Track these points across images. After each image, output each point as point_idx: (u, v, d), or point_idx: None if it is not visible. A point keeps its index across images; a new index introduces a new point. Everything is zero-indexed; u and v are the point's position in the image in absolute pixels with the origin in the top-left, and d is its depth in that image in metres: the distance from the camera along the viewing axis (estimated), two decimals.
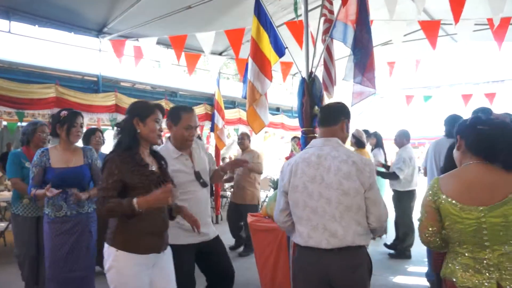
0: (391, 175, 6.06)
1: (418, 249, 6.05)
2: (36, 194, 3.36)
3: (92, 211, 3.60)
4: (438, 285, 3.13)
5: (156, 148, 2.82)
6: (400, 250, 6.29)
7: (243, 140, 6.81)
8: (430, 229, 2.10)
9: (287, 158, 4.61)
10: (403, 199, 6.22)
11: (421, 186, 5.80)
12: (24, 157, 4.07)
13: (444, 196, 2.03)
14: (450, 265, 2.08)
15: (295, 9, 5.20)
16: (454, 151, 2.22)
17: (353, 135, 6.44)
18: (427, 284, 4.95)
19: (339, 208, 2.38)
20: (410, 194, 6.23)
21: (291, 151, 6.00)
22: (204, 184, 3.17)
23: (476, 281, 1.94)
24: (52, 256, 3.38)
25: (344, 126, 2.62)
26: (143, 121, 2.56)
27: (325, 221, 2.40)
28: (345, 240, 2.37)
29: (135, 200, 2.33)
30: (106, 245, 2.49)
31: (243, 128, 9.94)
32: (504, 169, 1.96)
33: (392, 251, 6.41)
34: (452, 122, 4.76)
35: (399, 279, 5.34)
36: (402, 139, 6.33)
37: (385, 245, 6.57)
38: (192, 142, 3.17)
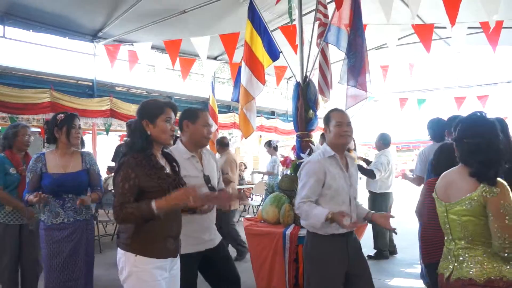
0: (369, 172, 6.20)
1: (412, 251, 6.08)
2: (28, 200, 3.23)
3: (90, 217, 3.50)
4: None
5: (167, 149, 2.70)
6: (377, 250, 6.40)
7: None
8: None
9: (282, 162, 4.62)
10: (378, 200, 6.37)
11: (397, 189, 5.88)
12: (8, 162, 3.86)
13: (434, 192, 2.33)
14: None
15: (290, 14, 5.23)
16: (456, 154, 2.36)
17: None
18: (423, 286, 4.96)
19: None
20: (385, 196, 6.39)
21: (285, 155, 6.01)
22: (212, 189, 3.08)
23: (443, 268, 2.23)
24: (48, 263, 3.25)
25: None
26: (153, 122, 2.41)
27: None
28: None
29: (153, 203, 2.23)
30: (120, 251, 2.36)
31: (238, 133, 9.98)
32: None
33: (371, 254, 6.46)
34: (436, 126, 4.84)
35: (395, 282, 5.35)
36: (381, 143, 6.50)
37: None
38: (209, 140, 3.17)
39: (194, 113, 3.07)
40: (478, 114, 2.25)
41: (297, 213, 2.93)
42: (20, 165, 3.89)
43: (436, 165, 3.31)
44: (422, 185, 5.00)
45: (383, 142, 6.49)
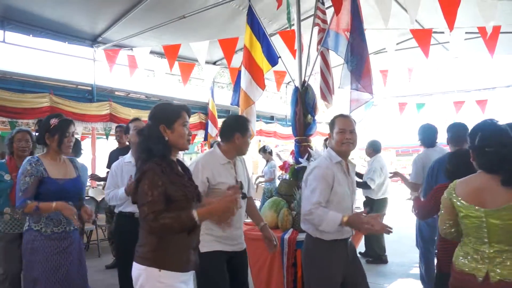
0: (363, 185, 6.26)
1: (411, 255, 6.12)
2: (41, 207, 2.88)
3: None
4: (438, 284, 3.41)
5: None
6: (375, 255, 6.43)
7: None
8: (447, 222, 2.47)
9: (281, 167, 4.63)
10: (375, 206, 6.41)
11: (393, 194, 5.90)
12: (5, 168, 3.73)
13: (454, 195, 2.37)
14: (457, 251, 2.44)
15: (288, 19, 5.26)
16: (471, 160, 2.46)
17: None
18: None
19: None
20: (382, 202, 6.45)
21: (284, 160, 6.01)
22: (243, 196, 3.08)
23: (472, 266, 2.30)
24: (47, 279, 2.92)
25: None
26: (170, 127, 2.28)
27: None
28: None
29: (195, 213, 2.13)
30: (140, 267, 2.19)
31: None
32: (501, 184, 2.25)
33: (369, 258, 6.47)
34: (426, 132, 4.91)
35: (395, 285, 5.36)
36: (371, 151, 6.57)
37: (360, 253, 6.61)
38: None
39: (246, 127, 3.09)
40: (490, 121, 2.40)
41: (307, 218, 2.86)
42: (14, 171, 3.67)
43: (455, 171, 3.31)
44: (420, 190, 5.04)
45: (374, 149, 6.60)
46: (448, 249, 3.11)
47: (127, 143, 5.50)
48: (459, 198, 2.35)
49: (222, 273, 2.94)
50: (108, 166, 6.47)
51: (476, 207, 2.27)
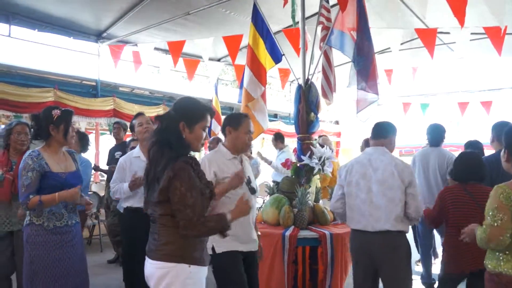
0: None
1: (413, 256, 6.11)
2: (44, 200, 2.85)
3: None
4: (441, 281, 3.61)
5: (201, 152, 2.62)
6: None
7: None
8: (509, 231, 2.25)
9: (283, 165, 4.63)
10: None
11: None
12: None
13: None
14: (507, 262, 2.28)
15: (293, 17, 5.25)
16: (503, 162, 2.49)
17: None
18: (423, 286, 5.01)
19: (383, 200, 3.05)
20: None
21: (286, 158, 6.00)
22: (253, 190, 3.10)
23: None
24: (47, 272, 2.89)
25: (392, 140, 3.36)
26: (191, 127, 2.20)
27: (371, 210, 3.08)
28: (386, 225, 3.02)
29: (229, 215, 2.18)
30: (168, 264, 2.14)
31: None
32: None
33: None
34: (435, 132, 4.96)
35: None
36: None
37: None
38: (249, 148, 3.19)
39: (237, 120, 3.09)
40: None
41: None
42: (4, 166, 3.57)
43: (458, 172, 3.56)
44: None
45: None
46: (453, 254, 3.41)
47: (135, 138, 5.49)
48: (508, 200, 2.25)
49: (242, 274, 2.94)
50: (108, 163, 6.44)
51: None
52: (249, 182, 3.06)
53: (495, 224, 2.27)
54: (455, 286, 3.59)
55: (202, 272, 2.24)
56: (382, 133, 3.35)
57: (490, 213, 2.31)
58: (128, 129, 5.25)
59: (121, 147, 5.96)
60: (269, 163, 7.49)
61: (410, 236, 6.00)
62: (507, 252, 2.29)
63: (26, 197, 2.86)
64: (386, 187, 3.07)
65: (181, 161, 2.12)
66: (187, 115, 2.22)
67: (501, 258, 2.32)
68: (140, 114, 4.13)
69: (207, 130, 2.30)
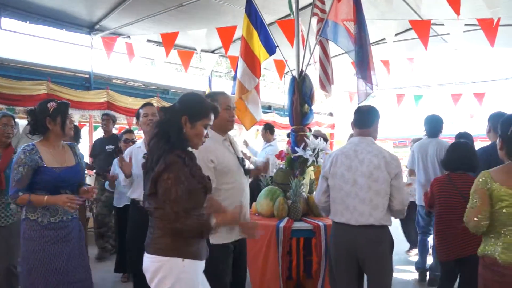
0: None
1: (403, 246, 6.31)
2: (33, 200, 2.81)
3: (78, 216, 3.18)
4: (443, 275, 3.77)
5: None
6: None
7: None
8: (483, 213, 2.43)
9: (277, 156, 4.64)
10: None
11: None
12: None
13: (496, 184, 2.39)
14: (492, 245, 2.44)
15: (290, 7, 5.23)
16: (498, 150, 2.56)
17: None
18: (417, 277, 5.10)
19: (369, 193, 2.93)
20: None
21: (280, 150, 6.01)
22: (246, 172, 3.07)
23: None
24: (43, 268, 2.85)
25: (377, 127, 3.17)
26: (193, 123, 2.21)
27: (356, 203, 2.96)
28: (370, 219, 2.91)
29: (214, 221, 2.14)
30: (162, 259, 2.13)
31: (236, 126, 9.91)
32: None
33: None
34: (432, 122, 5.01)
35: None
36: None
37: None
38: (233, 123, 3.10)
39: (213, 98, 2.97)
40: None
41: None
42: None
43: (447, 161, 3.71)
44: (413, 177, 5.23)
45: None
46: (441, 242, 3.58)
47: (128, 130, 5.44)
48: (502, 188, 2.37)
49: (228, 267, 2.92)
50: (91, 155, 6.28)
51: None
52: (242, 163, 3.06)
53: (472, 207, 2.50)
54: (451, 280, 3.68)
55: (198, 266, 2.23)
56: (367, 123, 3.14)
57: (470, 197, 2.54)
58: (119, 122, 5.21)
59: (113, 140, 5.90)
60: (248, 158, 6.84)
61: (399, 229, 6.11)
62: (491, 235, 2.46)
63: (15, 192, 2.83)
64: (372, 180, 2.93)
65: (174, 155, 2.11)
66: (191, 110, 2.23)
67: (487, 241, 2.49)
68: (148, 104, 4.04)
69: (208, 128, 2.30)
